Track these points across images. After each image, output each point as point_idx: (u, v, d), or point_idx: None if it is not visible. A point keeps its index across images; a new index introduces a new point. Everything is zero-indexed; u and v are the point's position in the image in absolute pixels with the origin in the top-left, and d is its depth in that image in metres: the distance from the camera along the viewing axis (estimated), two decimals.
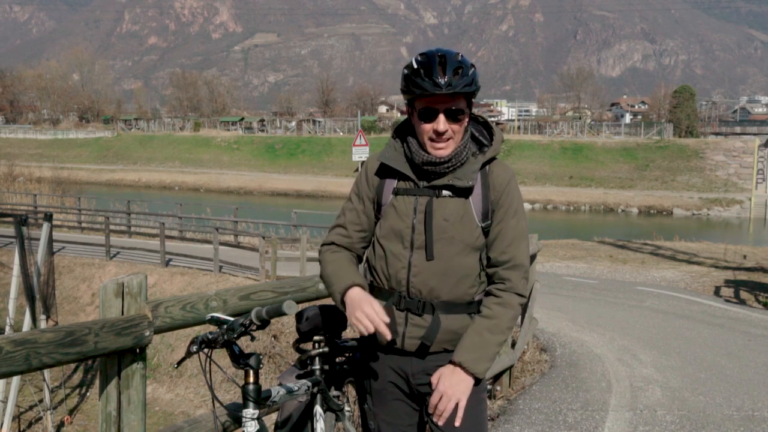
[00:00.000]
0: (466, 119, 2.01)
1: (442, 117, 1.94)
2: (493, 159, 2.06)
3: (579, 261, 15.49)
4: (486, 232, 2.01)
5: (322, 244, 2.18)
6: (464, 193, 2.00)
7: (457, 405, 1.92)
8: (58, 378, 11.22)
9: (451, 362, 1.95)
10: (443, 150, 1.97)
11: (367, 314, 1.88)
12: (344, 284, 2.00)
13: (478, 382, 1.99)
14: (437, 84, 1.89)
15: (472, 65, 1.96)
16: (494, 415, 4.88)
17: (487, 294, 2.02)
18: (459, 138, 1.99)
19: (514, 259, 1.99)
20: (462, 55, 1.97)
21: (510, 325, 1.99)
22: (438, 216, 1.98)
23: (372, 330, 1.87)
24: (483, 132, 2.11)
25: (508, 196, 2.02)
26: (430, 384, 2.03)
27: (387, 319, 1.89)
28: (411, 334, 2.02)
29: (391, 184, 2.07)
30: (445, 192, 2.00)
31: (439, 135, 1.96)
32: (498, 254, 2.00)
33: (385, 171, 2.09)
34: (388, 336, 1.91)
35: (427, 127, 1.96)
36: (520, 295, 2.00)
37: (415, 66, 1.94)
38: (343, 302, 2.00)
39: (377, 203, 2.10)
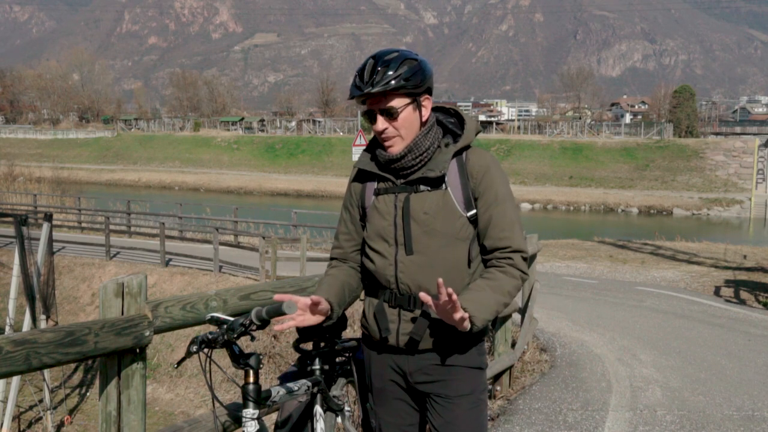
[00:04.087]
0: (410, 114, 2.00)
1: (379, 117, 1.99)
2: (468, 147, 2.06)
3: (579, 261, 15.48)
4: (473, 221, 2.01)
5: (329, 260, 2.28)
6: (438, 183, 2.01)
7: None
8: (58, 378, 11.22)
9: None
10: (393, 147, 2.01)
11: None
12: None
13: (471, 339, 2.01)
14: (358, 86, 1.95)
15: (411, 60, 1.96)
16: (494, 415, 4.88)
17: (489, 267, 2.02)
18: (408, 133, 2.00)
19: (511, 245, 1.99)
20: (400, 53, 1.97)
21: (512, 291, 1.98)
22: (417, 210, 1.99)
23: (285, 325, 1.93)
24: (457, 123, 2.12)
25: (488, 182, 2.01)
26: (427, 383, 2.04)
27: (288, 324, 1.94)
28: (404, 331, 2.02)
29: (372, 186, 2.11)
30: (422, 186, 2.01)
31: (380, 134, 2.00)
32: (494, 242, 2.00)
33: (365, 176, 2.14)
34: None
35: (374, 127, 2.01)
36: (523, 272, 1.99)
37: (356, 72, 2.00)
38: None
39: (362, 207, 2.13)
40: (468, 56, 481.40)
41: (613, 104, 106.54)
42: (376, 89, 1.92)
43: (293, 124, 73.86)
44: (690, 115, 61.55)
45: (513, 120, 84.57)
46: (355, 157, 16.92)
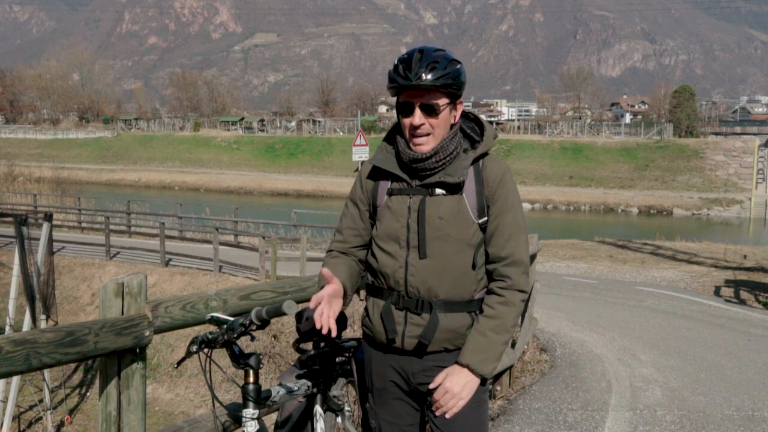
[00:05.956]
0: (447, 115, 2.01)
1: (418, 111, 1.97)
2: (485, 154, 2.06)
3: (579, 261, 15.48)
4: (483, 228, 2.02)
5: (326, 251, 2.24)
6: (456, 189, 2.00)
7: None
8: (58, 378, 11.22)
9: (458, 363, 1.97)
10: (423, 146, 1.99)
11: (319, 309, 1.91)
12: (323, 283, 2.02)
13: (483, 382, 2.01)
14: (407, 78, 1.93)
15: (456, 62, 1.98)
16: (494, 415, 4.88)
17: (489, 292, 2.02)
18: (440, 134, 2.00)
19: (512, 255, 2.00)
20: (445, 52, 1.99)
21: (514, 323, 2.01)
22: (432, 214, 1.99)
23: (316, 325, 1.90)
24: (475, 128, 2.12)
25: (503, 190, 2.01)
26: (429, 384, 2.03)
27: (331, 320, 1.90)
28: (410, 333, 2.02)
29: (385, 185, 2.09)
30: (438, 190, 2.01)
31: (415, 129, 1.98)
32: (497, 250, 2.00)
33: (378, 173, 2.11)
34: (333, 331, 1.90)
35: (406, 121, 2.00)
36: (522, 291, 2.01)
37: (396, 62, 1.99)
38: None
39: (372, 206, 2.11)
40: (468, 56, 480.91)
41: (613, 104, 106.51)
42: (426, 82, 1.92)
43: (293, 124, 73.82)
44: (690, 115, 61.50)
45: (513, 120, 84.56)
46: (356, 157, 16.96)
